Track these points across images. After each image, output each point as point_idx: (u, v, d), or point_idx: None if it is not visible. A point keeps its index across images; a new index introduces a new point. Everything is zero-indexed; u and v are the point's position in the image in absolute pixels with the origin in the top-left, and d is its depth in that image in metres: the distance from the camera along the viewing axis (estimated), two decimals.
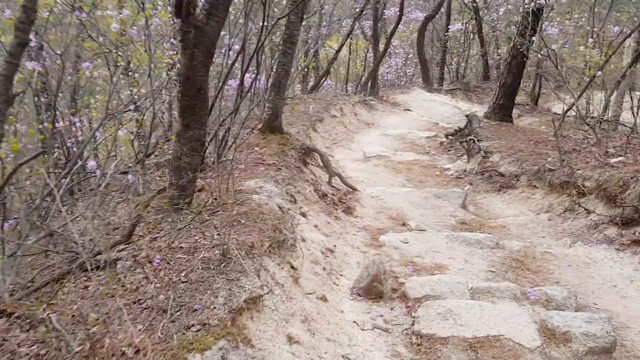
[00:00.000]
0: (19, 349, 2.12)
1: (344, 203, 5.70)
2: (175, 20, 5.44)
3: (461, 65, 18.22)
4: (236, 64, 5.80)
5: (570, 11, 13.17)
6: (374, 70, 13.95)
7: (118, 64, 4.44)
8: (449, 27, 17.30)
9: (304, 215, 4.73)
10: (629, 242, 4.64)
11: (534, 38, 9.06)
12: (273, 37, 9.10)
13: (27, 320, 2.31)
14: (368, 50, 15.82)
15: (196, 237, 3.18)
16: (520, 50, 9.20)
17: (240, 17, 7.10)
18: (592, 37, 8.98)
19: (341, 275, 4.12)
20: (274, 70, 6.71)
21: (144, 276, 2.82)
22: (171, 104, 7.11)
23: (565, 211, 5.63)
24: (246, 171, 4.95)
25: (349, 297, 3.81)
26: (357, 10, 13.73)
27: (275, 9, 8.18)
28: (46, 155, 4.64)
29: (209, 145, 4.97)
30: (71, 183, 5.26)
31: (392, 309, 3.67)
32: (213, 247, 3.02)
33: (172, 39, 6.14)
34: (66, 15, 4.72)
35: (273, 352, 2.62)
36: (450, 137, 9.44)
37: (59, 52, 4.44)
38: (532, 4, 8.67)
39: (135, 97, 6.20)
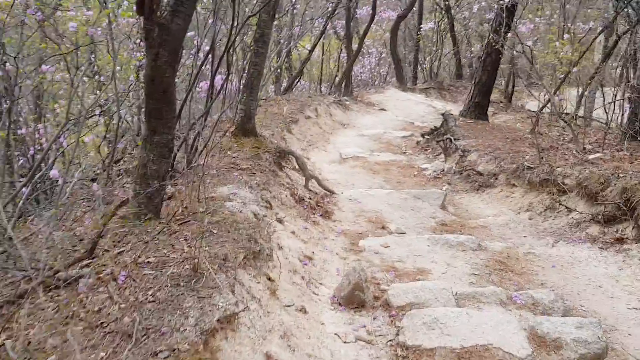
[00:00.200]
0: None
1: (322, 207, 5.52)
2: (138, 18, 5.18)
3: (434, 64, 18.20)
4: (207, 65, 5.57)
5: (540, 8, 13.25)
6: (347, 70, 13.81)
7: (78, 67, 4.16)
8: (422, 26, 17.28)
9: (280, 221, 4.54)
10: (611, 240, 4.56)
11: (509, 35, 9.02)
12: (245, 37, 8.86)
13: None
14: (341, 50, 15.66)
15: (165, 251, 2.95)
16: (495, 47, 9.15)
17: (210, 16, 6.86)
18: (567, 33, 8.97)
19: (321, 283, 3.94)
20: (246, 71, 6.49)
21: (108, 296, 2.59)
22: (140, 108, 6.83)
23: (545, 210, 5.55)
24: (218, 177, 4.73)
25: (330, 307, 3.63)
26: (330, 9, 13.56)
27: (246, 8, 7.95)
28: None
29: (178, 150, 4.74)
30: (35, 192, 4.98)
31: (374, 318, 3.50)
32: (183, 261, 2.80)
33: (138, 39, 5.87)
34: (20, 17, 4.43)
35: None
36: (427, 136, 9.35)
37: (13, 55, 4.15)
38: (506, 0, 8.62)
39: (102, 100, 5.92)
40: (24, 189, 4.31)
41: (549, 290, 3.76)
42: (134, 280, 2.65)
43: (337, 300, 3.67)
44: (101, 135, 6.12)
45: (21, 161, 5.93)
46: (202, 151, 4.75)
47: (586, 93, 9.01)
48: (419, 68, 18.55)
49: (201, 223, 3.19)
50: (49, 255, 3.21)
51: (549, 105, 8.39)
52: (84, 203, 4.78)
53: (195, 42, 6.06)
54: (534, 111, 10.30)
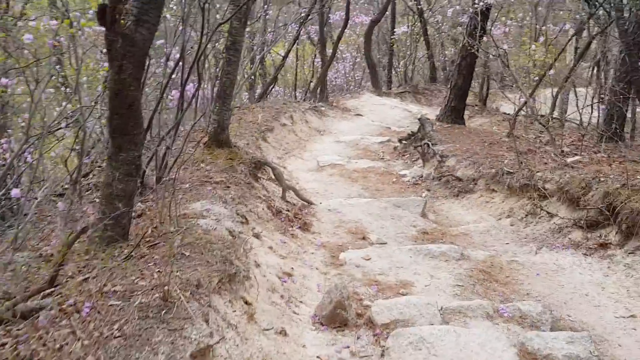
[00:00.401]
0: None
1: (300, 219, 5.35)
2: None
3: (408, 68, 18.20)
4: (177, 75, 5.37)
5: (511, 11, 13.33)
6: (322, 76, 13.68)
7: (39, 80, 3.93)
8: (395, 30, 17.26)
9: (257, 236, 4.36)
10: (595, 245, 4.50)
11: (484, 38, 8.99)
12: (216, 45, 8.66)
13: None
14: (315, 55, 15.55)
15: (133, 277, 2.75)
16: (470, 51, 9.11)
17: (179, 24, 6.65)
18: (542, 35, 8.99)
19: (301, 302, 3.77)
20: (219, 79, 6.30)
21: (71, 330, 2.38)
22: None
23: (527, 215, 5.48)
24: (191, 192, 4.52)
25: (311, 328, 3.46)
26: (303, 15, 13.43)
27: (217, 15, 7.76)
28: None
29: (147, 165, 4.53)
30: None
31: (358, 337, 3.34)
32: (152, 289, 2.60)
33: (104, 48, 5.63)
34: None
35: None
36: (404, 141, 9.25)
37: None
38: (481, 3, 8.58)
39: (69, 112, 5.66)
40: None
41: (536, 302, 3.66)
42: (98, 312, 2.44)
43: (319, 320, 3.51)
44: (69, 148, 5.87)
45: None
46: (173, 165, 4.55)
47: (560, 94, 9.06)
48: (394, 72, 18.53)
49: (171, 246, 2.99)
50: (10, 281, 2.99)
51: (525, 107, 8.39)
52: (51, 220, 4.54)
53: (165, 50, 5.86)
54: (509, 114, 10.31)
